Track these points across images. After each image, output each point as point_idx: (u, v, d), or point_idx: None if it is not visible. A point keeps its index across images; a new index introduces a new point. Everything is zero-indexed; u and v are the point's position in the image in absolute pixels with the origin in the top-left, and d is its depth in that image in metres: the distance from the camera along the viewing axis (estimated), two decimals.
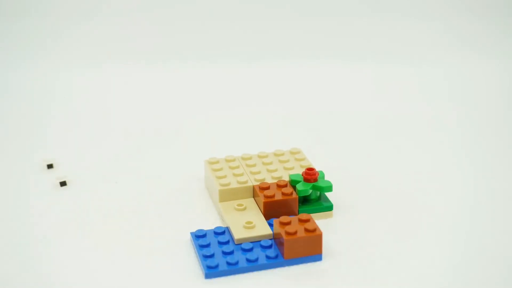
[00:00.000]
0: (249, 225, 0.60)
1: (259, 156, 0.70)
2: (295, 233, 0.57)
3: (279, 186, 0.64)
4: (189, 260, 0.58)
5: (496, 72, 0.96)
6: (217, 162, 0.69)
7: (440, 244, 0.60)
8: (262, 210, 0.63)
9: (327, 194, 0.66)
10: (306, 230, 0.57)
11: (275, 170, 0.67)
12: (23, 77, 0.95)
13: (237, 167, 0.68)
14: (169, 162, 0.75)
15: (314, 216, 0.63)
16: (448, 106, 0.89)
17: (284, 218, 0.58)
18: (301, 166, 0.68)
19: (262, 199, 0.62)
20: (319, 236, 0.57)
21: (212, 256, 0.57)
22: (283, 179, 0.66)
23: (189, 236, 0.61)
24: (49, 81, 0.95)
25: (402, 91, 0.93)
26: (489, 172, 0.72)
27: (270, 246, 0.58)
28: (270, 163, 0.68)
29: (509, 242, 0.60)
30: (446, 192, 0.68)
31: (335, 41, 1.00)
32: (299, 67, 0.98)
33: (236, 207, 0.63)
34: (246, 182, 0.65)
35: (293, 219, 0.58)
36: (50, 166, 0.74)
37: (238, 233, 0.59)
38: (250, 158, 0.69)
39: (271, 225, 0.61)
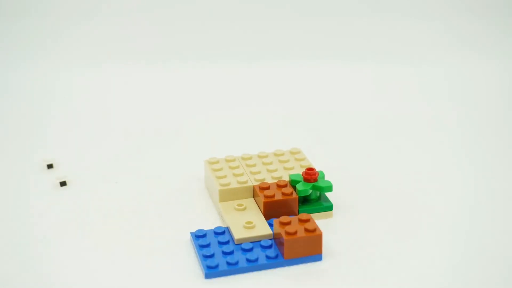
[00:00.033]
0: (249, 225, 0.60)
1: (259, 156, 0.70)
2: (295, 233, 0.57)
3: (279, 186, 0.64)
4: (189, 260, 0.58)
5: (496, 72, 0.96)
6: (217, 162, 0.69)
7: (440, 244, 0.60)
8: (262, 210, 0.63)
9: (327, 194, 0.66)
10: (306, 230, 0.57)
11: (275, 170, 0.67)
12: (23, 77, 0.95)
13: (237, 167, 0.68)
14: (169, 162, 0.75)
15: (314, 216, 0.63)
16: (448, 106, 0.89)
17: (284, 218, 0.58)
18: (301, 166, 0.68)
19: (262, 199, 0.62)
20: (319, 236, 0.57)
21: (212, 256, 0.57)
22: (283, 179, 0.66)
23: (189, 236, 0.61)
24: (49, 81, 0.95)
25: (402, 91, 0.93)
26: (489, 172, 0.72)
27: (270, 246, 0.58)
28: (270, 163, 0.68)
29: (509, 242, 0.60)
30: (446, 192, 0.68)
31: (335, 41, 1.00)
32: (299, 67, 0.98)
33: (236, 207, 0.63)
34: (246, 182, 0.65)
35: (293, 219, 0.58)
36: (50, 166, 0.74)
37: (238, 233, 0.59)
38: (250, 158, 0.69)
39: (271, 225, 0.61)
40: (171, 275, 0.56)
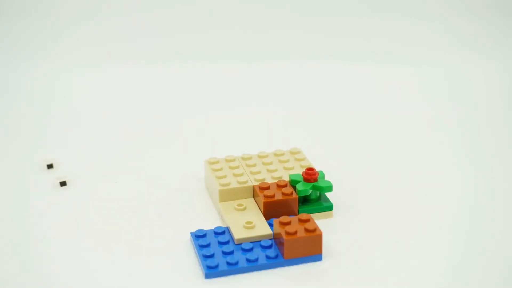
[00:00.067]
0: (249, 225, 0.60)
1: (259, 156, 0.70)
2: (295, 233, 0.57)
3: (279, 186, 0.64)
4: (189, 260, 0.58)
5: (496, 72, 0.96)
6: (217, 162, 0.69)
7: (440, 244, 0.60)
8: (262, 210, 0.63)
9: (327, 194, 0.66)
10: (306, 230, 0.57)
11: (275, 170, 0.67)
12: (23, 77, 0.95)
13: (237, 167, 0.68)
14: (169, 162, 0.75)
15: (314, 216, 0.63)
16: (448, 106, 0.89)
17: (284, 218, 0.58)
18: (301, 166, 0.68)
19: (262, 199, 0.62)
20: (319, 236, 0.57)
21: (212, 256, 0.57)
22: (283, 179, 0.66)
23: (189, 236, 0.61)
24: (49, 81, 0.95)
25: (402, 91, 0.93)
26: (489, 172, 0.72)
27: (270, 246, 0.58)
28: (270, 163, 0.68)
29: (509, 242, 0.60)
30: (446, 192, 0.68)
31: (335, 41, 1.00)
32: (299, 67, 0.98)
33: (236, 207, 0.63)
34: (246, 182, 0.65)
35: (293, 219, 0.58)
36: (50, 166, 0.74)
37: (238, 233, 0.59)
38: (250, 158, 0.69)
39: (271, 225, 0.61)
40: (171, 275, 0.56)
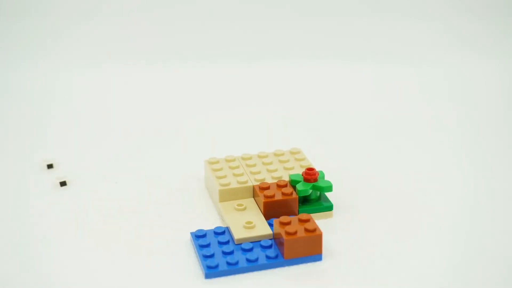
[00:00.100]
0: (249, 225, 0.60)
1: (259, 156, 0.70)
2: (295, 233, 0.57)
3: (279, 186, 0.64)
4: (189, 260, 0.58)
5: (496, 72, 0.96)
6: (217, 162, 0.69)
7: (440, 244, 0.60)
8: (262, 210, 0.63)
9: (327, 194, 0.66)
10: (306, 230, 0.57)
11: (275, 170, 0.67)
12: (23, 77, 0.95)
13: (237, 167, 0.68)
14: (169, 162, 0.75)
15: (314, 216, 0.63)
16: (448, 106, 0.89)
17: (284, 218, 0.58)
18: (301, 166, 0.68)
19: (262, 199, 0.62)
20: (319, 236, 0.57)
21: (212, 256, 0.57)
22: (283, 179, 0.66)
23: (189, 236, 0.61)
24: (49, 81, 0.95)
25: (402, 91, 0.93)
26: (489, 172, 0.72)
27: (270, 246, 0.58)
28: (270, 163, 0.68)
29: (509, 242, 0.60)
30: (446, 192, 0.68)
31: (335, 41, 1.00)
32: (299, 67, 0.98)
33: (236, 207, 0.63)
34: (246, 182, 0.65)
35: (293, 219, 0.58)
36: (50, 166, 0.74)
37: (238, 233, 0.59)
38: (250, 158, 0.69)
39: (271, 225, 0.61)
40: (171, 275, 0.56)
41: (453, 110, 0.88)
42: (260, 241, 0.59)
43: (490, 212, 0.65)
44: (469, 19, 1.00)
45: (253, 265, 0.56)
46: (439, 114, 0.87)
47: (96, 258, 0.58)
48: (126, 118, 0.87)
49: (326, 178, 0.67)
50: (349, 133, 0.83)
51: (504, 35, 1.00)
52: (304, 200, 0.65)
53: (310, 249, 0.57)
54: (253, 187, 0.65)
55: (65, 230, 0.62)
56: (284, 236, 0.56)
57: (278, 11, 1.00)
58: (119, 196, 0.68)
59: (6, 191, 0.70)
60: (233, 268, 0.56)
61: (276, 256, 0.57)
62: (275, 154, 0.70)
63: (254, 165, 0.68)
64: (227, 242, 0.59)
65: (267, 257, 0.57)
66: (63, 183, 0.70)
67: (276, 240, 0.58)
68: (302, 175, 0.64)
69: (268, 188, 0.64)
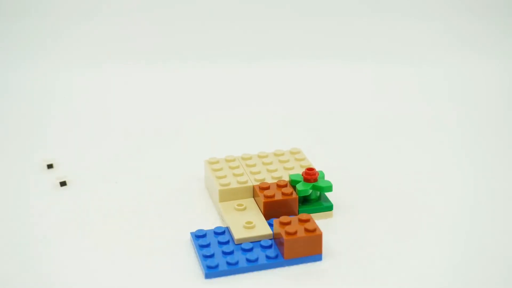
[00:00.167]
0: (249, 225, 0.60)
1: (259, 156, 0.70)
2: (295, 233, 0.57)
3: (279, 186, 0.64)
4: (189, 260, 0.58)
5: (496, 72, 0.96)
6: (217, 162, 0.69)
7: (440, 244, 0.60)
8: (262, 210, 0.63)
9: (327, 194, 0.66)
10: (306, 230, 0.57)
11: (275, 170, 0.67)
12: (23, 77, 0.95)
13: (237, 167, 0.68)
14: (169, 162, 0.75)
15: (314, 216, 0.63)
16: (448, 106, 0.89)
17: (284, 218, 0.58)
18: (301, 166, 0.68)
19: (262, 199, 0.62)
20: (319, 236, 0.57)
21: (212, 256, 0.57)
22: (283, 179, 0.66)
23: (189, 236, 0.61)
24: (49, 81, 0.95)
25: (402, 91, 0.93)
26: (489, 172, 0.72)
27: (270, 246, 0.58)
28: (270, 163, 0.68)
29: (509, 242, 0.60)
30: (446, 192, 0.68)
31: (335, 41, 1.00)
32: (299, 67, 0.98)
33: (236, 207, 0.63)
34: (246, 182, 0.65)
35: (293, 219, 0.58)
36: (50, 166, 0.74)
37: (238, 233, 0.59)
38: (250, 158, 0.69)
39: (271, 225, 0.61)
40: (171, 275, 0.56)
41: (453, 110, 0.88)
42: (260, 241, 0.59)
43: (490, 212, 0.65)
44: (469, 19, 1.00)
45: (253, 265, 0.56)
46: (439, 114, 0.87)
47: (96, 258, 0.58)
48: (126, 118, 0.87)
49: (326, 178, 0.67)
50: (349, 133, 0.83)
51: (504, 35, 1.00)
52: (304, 200, 0.65)
53: (310, 249, 0.57)
54: (253, 187, 0.65)
55: (65, 230, 0.62)
56: (284, 236, 0.56)
57: (278, 11, 1.00)
58: (119, 196, 0.68)
59: (6, 191, 0.70)
60: (233, 268, 0.56)
61: (276, 256, 0.57)
62: (275, 154, 0.70)
63: (254, 165, 0.68)
64: (227, 242, 0.59)
65: (267, 257, 0.57)
66: (63, 183, 0.70)
67: (276, 240, 0.58)
68: (302, 175, 0.64)
69: (268, 188, 0.64)
